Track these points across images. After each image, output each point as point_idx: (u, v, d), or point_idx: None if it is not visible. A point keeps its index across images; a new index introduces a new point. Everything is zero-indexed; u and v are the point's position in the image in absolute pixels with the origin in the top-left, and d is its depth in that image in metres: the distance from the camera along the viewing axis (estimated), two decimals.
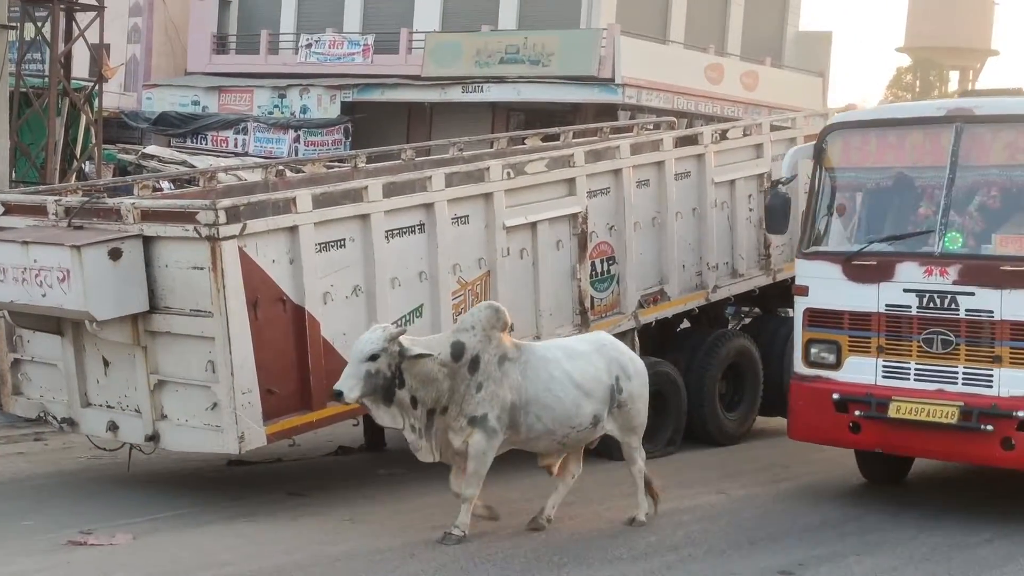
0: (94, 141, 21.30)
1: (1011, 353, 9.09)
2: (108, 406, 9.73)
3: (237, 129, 34.28)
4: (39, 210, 9.85)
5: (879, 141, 10.08)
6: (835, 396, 9.74)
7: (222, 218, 8.74)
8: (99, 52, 21.31)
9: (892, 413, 9.46)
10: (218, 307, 8.79)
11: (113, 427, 9.66)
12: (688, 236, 12.39)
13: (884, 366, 9.59)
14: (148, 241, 9.07)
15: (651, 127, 15.23)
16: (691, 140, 12.67)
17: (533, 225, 10.86)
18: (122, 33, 36.52)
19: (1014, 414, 9.03)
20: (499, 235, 10.53)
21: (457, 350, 8.45)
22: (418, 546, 8.41)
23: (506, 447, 8.72)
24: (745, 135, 13.21)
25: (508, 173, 10.63)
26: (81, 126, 21.24)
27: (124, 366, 9.50)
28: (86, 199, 9.69)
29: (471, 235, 10.40)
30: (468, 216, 10.37)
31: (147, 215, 9.14)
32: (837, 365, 9.84)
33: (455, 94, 31.44)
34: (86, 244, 8.87)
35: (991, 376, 9.16)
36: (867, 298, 9.64)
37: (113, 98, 33.08)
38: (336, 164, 13.22)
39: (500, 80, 30.69)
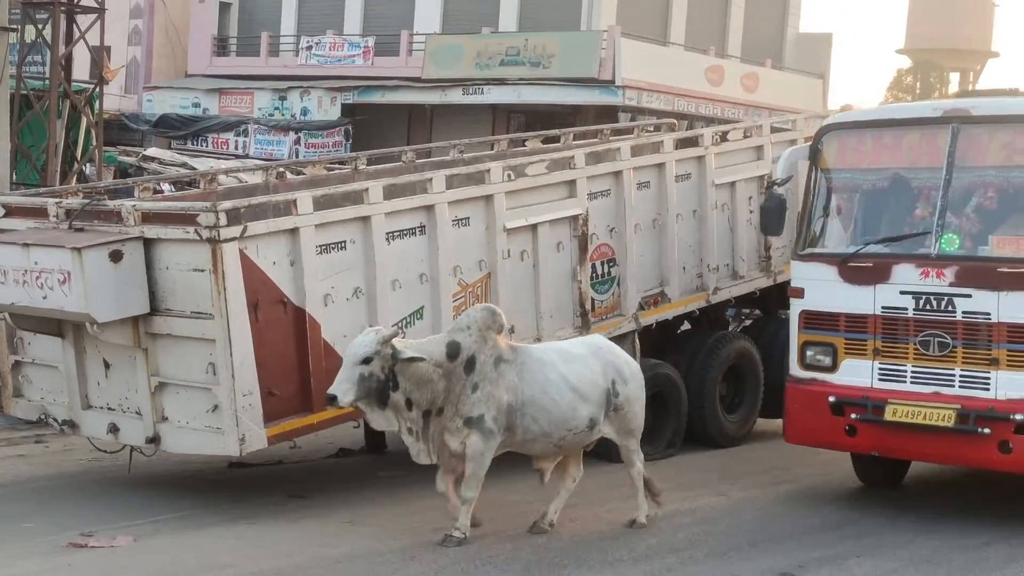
0: (95, 143, 21.34)
1: (1008, 355, 9.03)
2: (109, 408, 9.73)
3: (238, 131, 34.30)
4: (40, 212, 9.85)
5: (875, 142, 10.01)
6: (831, 399, 9.67)
7: (223, 220, 8.74)
8: (100, 54, 21.35)
9: (888, 416, 9.39)
10: (219, 309, 8.79)
11: (114, 429, 9.67)
12: (689, 238, 12.39)
13: (880, 369, 9.53)
14: (149, 243, 9.07)
15: (651, 129, 15.23)
16: (691, 142, 12.67)
17: (534, 227, 10.86)
18: (123, 35, 36.54)
19: (1011, 417, 8.96)
20: (500, 237, 10.53)
21: (453, 350, 8.45)
22: (419, 548, 8.41)
23: (502, 449, 8.71)
24: (745, 137, 13.22)
25: (509, 175, 10.64)
26: (82, 128, 21.28)
27: (125, 368, 9.50)
28: (87, 201, 9.70)
29: (472, 237, 10.40)
30: (469, 218, 10.37)
31: (148, 217, 9.14)
32: (833, 368, 9.77)
33: (455, 96, 31.45)
34: (87, 246, 8.87)
35: (988, 379, 9.09)
36: (863, 300, 9.58)
37: (114, 100, 33.11)
38: (337, 166, 13.22)
39: (500, 82, 30.70)
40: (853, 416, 9.57)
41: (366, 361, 8.15)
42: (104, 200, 9.74)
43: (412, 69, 32.62)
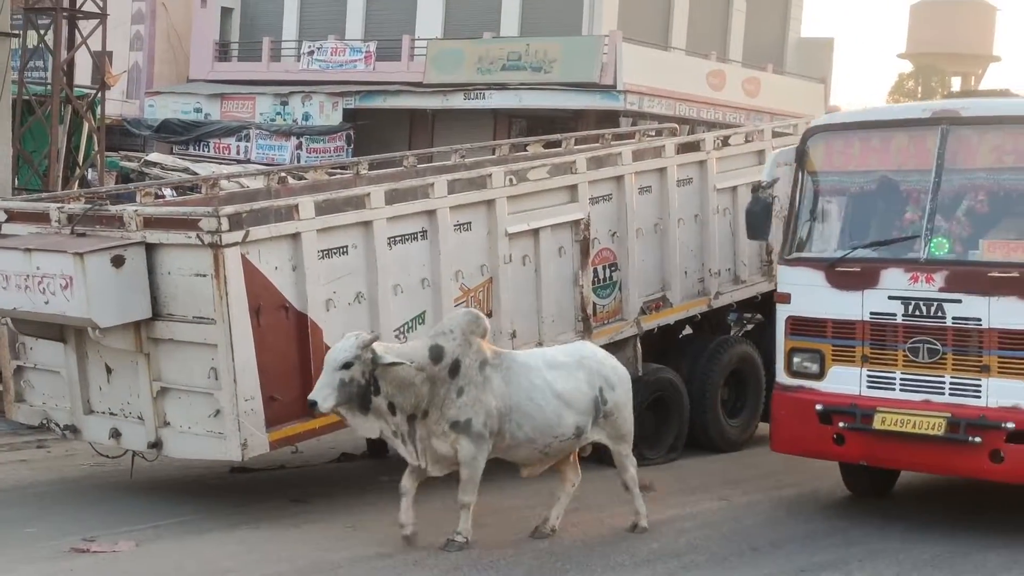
0: (96, 148, 21.34)
1: (999, 362, 8.79)
2: (111, 413, 9.73)
3: (239, 136, 34.37)
4: (42, 217, 9.86)
5: (863, 144, 9.78)
6: (818, 407, 9.43)
7: (225, 225, 8.74)
8: (102, 60, 21.36)
9: (877, 425, 9.17)
10: (221, 314, 8.79)
11: (116, 434, 9.66)
12: (690, 242, 12.39)
13: (869, 376, 9.33)
14: (151, 248, 9.08)
15: (653, 133, 15.24)
16: (693, 146, 12.67)
17: (535, 232, 10.86)
18: (124, 41, 36.62)
19: (1003, 425, 8.72)
20: (501, 242, 10.53)
21: (436, 354, 8.41)
22: (421, 553, 8.41)
23: (490, 455, 8.69)
24: (747, 141, 13.21)
25: (510, 180, 10.63)
26: (84, 133, 21.28)
27: (127, 373, 9.51)
28: (89, 206, 9.71)
29: (473, 242, 10.40)
30: (470, 223, 10.37)
31: (150, 222, 9.15)
32: (820, 375, 9.56)
33: (457, 101, 31.50)
34: (89, 251, 8.87)
35: (979, 386, 8.88)
36: (851, 306, 9.37)
37: (115, 105, 33.17)
38: (338, 171, 13.23)
39: (502, 87, 30.74)
40: (841, 425, 9.36)
41: (346, 366, 8.12)
42: (106, 205, 9.75)
43: (414, 74, 32.67)
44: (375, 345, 8.23)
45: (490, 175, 10.59)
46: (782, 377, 9.86)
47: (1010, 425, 8.73)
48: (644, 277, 11.89)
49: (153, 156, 28.24)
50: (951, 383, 9.00)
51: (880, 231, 9.57)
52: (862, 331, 9.35)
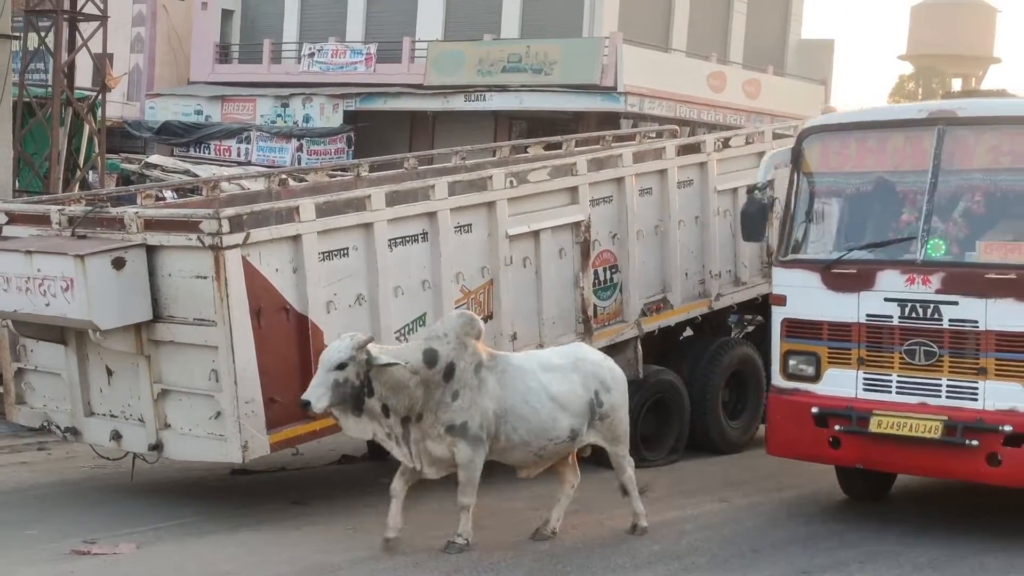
0: (97, 150, 21.34)
1: (997, 365, 8.71)
2: (111, 415, 9.73)
3: (240, 138, 34.39)
4: (42, 219, 9.87)
5: (859, 145, 9.70)
6: (814, 410, 9.34)
7: (225, 227, 8.75)
8: (102, 62, 21.37)
9: (873, 428, 9.08)
10: (221, 316, 8.80)
11: (116, 436, 9.67)
12: (691, 244, 12.39)
13: (865, 378, 9.25)
14: (151, 250, 9.09)
15: (653, 135, 15.24)
16: (694, 148, 12.67)
17: (536, 234, 10.86)
18: (125, 43, 36.63)
19: (1000, 428, 8.62)
20: (502, 244, 10.53)
21: (430, 357, 8.38)
22: (421, 555, 8.41)
23: (486, 456, 8.67)
24: (748, 143, 13.20)
25: (511, 182, 10.63)
26: (84, 136, 21.28)
27: (127, 375, 9.51)
28: (89, 208, 9.71)
29: (474, 244, 10.40)
30: (471, 225, 10.37)
31: (150, 224, 9.15)
32: (816, 377, 9.49)
33: (458, 103, 31.51)
34: (90, 253, 8.88)
35: (976, 389, 8.80)
36: (847, 308, 9.29)
37: (116, 108, 33.18)
38: (339, 173, 13.24)
39: (502, 89, 30.75)
40: (837, 428, 9.28)
41: (340, 367, 8.10)
42: (107, 207, 9.76)
43: (414, 76, 32.68)
44: (370, 346, 8.22)
45: (491, 177, 10.59)
46: (778, 380, 9.80)
47: (1007, 428, 8.66)
48: (645, 279, 11.89)
49: (154, 158, 28.25)
50: (948, 386, 8.94)
51: (876, 232, 9.50)
52: (858, 333, 9.29)
